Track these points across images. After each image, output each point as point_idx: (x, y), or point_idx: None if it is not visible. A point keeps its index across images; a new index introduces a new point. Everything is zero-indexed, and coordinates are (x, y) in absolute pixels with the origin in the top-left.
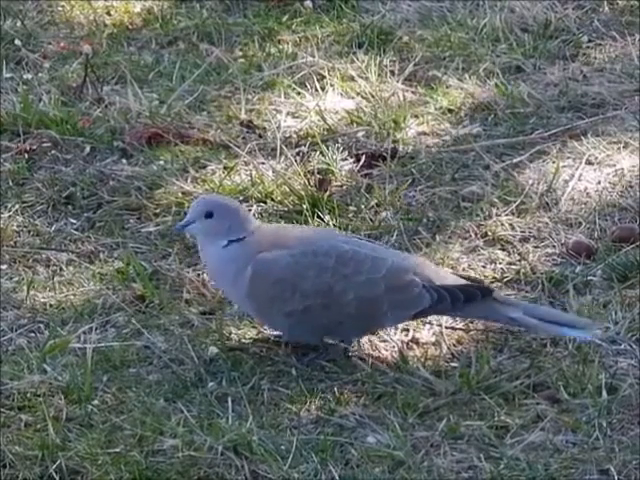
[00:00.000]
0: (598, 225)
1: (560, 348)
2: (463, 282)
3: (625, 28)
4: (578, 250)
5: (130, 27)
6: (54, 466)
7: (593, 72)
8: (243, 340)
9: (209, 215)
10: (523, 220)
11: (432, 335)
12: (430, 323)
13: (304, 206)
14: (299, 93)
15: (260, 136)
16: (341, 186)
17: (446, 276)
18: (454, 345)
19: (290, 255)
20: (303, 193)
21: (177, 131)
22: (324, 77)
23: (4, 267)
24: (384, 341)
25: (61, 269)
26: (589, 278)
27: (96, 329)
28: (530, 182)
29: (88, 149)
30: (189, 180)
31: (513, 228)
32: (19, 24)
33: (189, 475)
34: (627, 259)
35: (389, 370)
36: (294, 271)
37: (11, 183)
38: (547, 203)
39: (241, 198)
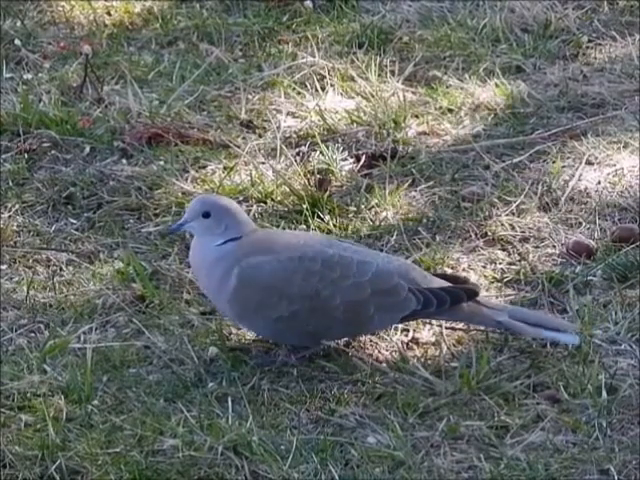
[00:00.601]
0: (598, 225)
1: (560, 348)
2: (448, 284)
3: (625, 28)
4: (578, 250)
5: (130, 27)
6: (54, 466)
7: (593, 72)
8: (243, 340)
9: (206, 215)
10: (523, 220)
11: (432, 335)
12: (430, 323)
13: (304, 206)
14: (299, 93)
15: (260, 136)
16: (341, 186)
17: (432, 279)
18: (454, 345)
19: (276, 260)
20: (303, 193)
21: (177, 131)
22: (324, 77)
23: (4, 267)
24: (384, 341)
25: (61, 269)
26: (589, 278)
27: (96, 329)
28: (530, 182)
29: (88, 149)
30: (189, 180)
31: (513, 228)
32: (19, 24)
33: (189, 475)
34: (627, 259)
35: (389, 370)
36: (280, 276)
37: (11, 183)
38: (547, 203)
39: (241, 198)
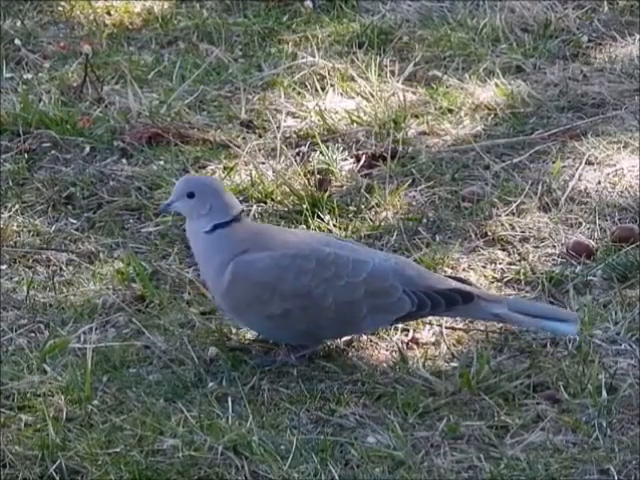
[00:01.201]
0: (598, 225)
1: (560, 348)
2: (447, 285)
3: (625, 28)
4: (578, 250)
5: (130, 27)
6: (54, 466)
7: (593, 72)
8: (243, 340)
9: (191, 195)
10: (523, 220)
11: (432, 335)
12: (430, 323)
13: (304, 206)
14: (299, 93)
15: (260, 136)
16: (341, 186)
17: (430, 277)
18: (454, 345)
19: (270, 257)
20: (303, 193)
21: (177, 131)
22: (324, 77)
23: (4, 267)
24: (384, 341)
25: (61, 269)
26: (589, 278)
27: (96, 329)
28: (530, 182)
29: (88, 149)
30: None
31: (513, 228)
32: (19, 24)
33: (189, 475)
34: (627, 259)
35: (389, 370)
36: (273, 273)
37: (11, 183)
38: (547, 203)
39: (241, 198)
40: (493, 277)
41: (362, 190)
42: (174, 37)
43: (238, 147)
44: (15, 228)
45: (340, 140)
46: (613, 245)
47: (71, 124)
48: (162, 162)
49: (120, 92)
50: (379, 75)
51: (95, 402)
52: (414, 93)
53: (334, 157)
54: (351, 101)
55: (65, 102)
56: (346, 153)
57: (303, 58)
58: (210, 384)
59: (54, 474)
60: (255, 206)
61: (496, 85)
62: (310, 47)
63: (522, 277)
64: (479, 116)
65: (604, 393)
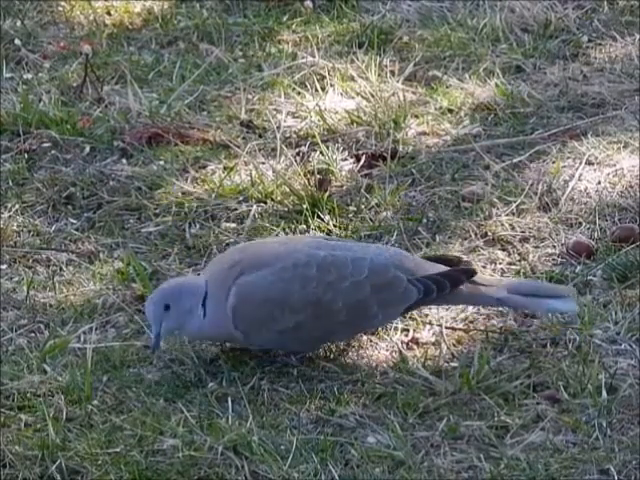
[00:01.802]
0: (598, 225)
1: (560, 348)
2: (444, 268)
3: (625, 28)
4: (578, 250)
5: (130, 27)
6: (54, 466)
7: (593, 72)
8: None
9: (167, 308)
10: (523, 220)
11: (432, 335)
12: (430, 323)
13: (304, 206)
14: (299, 93)
15: (260, 136)
16: (341, 186)
17: (425, 264)
18: (454, 345)
19: (270, 273)
20: (303, 193)
21: (177, 131)
22: (324, 77)
23: (4, 267)
24: (384, 341)
25: (61, 269)
26: (589, 278)
27: (96, 329)
28: (530, 182)
29: (88, 149)
30: (189, 180)
31: (513, 228)
32: (19, 24)
33: (189, 475)
34: (627, 259)
35: (389, 370)
36: (278, 288)
37: (11, 183)
38: (547, 203)
39: (241, 198)
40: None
41: (362, 190)
42: (174, 37)
43: (238, 147)
44: (15, 228)
45: (340, 140)
46: (613, 245)
47: (71, 124)
48: (162, 162)
49: (120, 92)
50: (379, 75)
51: (95, 402)
52: (414, 93)
53: (334, 157)
54: (351, 101)
55: (65, 102)
56: (346, 153)
57: (303, 58)
58: (210, 384)
59: (54, 474)
60: (255, 206)
61: (496, 85)
62: (310, 47)
63: (522, 277)
64: (479, 116)
65: (604, 393)
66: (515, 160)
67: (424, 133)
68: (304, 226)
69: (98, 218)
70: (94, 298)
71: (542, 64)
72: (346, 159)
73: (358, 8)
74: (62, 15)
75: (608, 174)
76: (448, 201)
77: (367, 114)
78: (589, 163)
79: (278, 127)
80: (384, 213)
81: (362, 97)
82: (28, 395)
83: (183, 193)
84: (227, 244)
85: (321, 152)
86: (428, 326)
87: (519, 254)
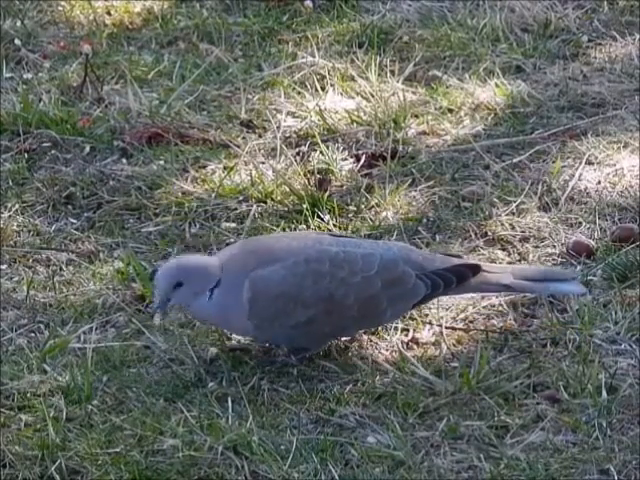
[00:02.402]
0: (598, 225)
1: (560, 348)
2: (452, 262)
3: (625, 28)
4: (578, 250)
5: (130, 27)
6: (54, 466)
7: (593, 72)
8: (243, 340)
9: (179, 285)
10: (523, 220)
11: (432, 335)
12: (430, 323)
13: (304, 206)
14: (299, 93)
15: (260, 136)
16: (341, 186)
17: (433, 258)
18: (454, 345)
19: (283, 267)
20: (303, 193)
21: (177, 131)
22: (324, 77)
23: (4, 267)
24: (384, 341)
25: (61, 269)
26: (589, 278)
27: (96, 329)
28: (530, 182)
29: (88, 149)
30: (189, 180)
31: (513, 228)
32: (19, 24)
33: (189, 475)
34: (627, 259)
35: (389, 370)
36: (291, 282)
37: (11, 183)
38: (547, 203)
39: (241, 198)
40: None
41: (362, 190)
42: (174, 37)
43: (238, 147)
44: (15, 228)
45: (340, 140)
46: (613, 245)
47: (71, 124)
48: (162, 162)
49: (120, 92)
50: (379, 75)
51: (95, 402)
52: (414, 93)
53: (334, 157)
54: (351, 101)
55: (65, 102)
56: (346, 153)
57: (303, 58)
58: (210, 384)
59: (54, 474)
60: (255, 206)
61: (496, 85)
62: (310, 47)
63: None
64: (479, 116)
65: (604, 393)
66: (515, 160)
67: (424, 133)
68: (304, 226)
69: (98, 218)
70: (94, 298)
71: (542, 64)
72: (346, 159)
73: (358, 8)
74: (62, 15)
75: (608, 174)
76: (448, 201)
77: (367, 114)
78: (589, 163)
79: (278, 127)
80: (384, 213)
81: (362, 97)
82: (28, 395)
83: (183, 193)
84: (227, 244)
85: (321, 152)
86: (428, 326)
87: (519, 254)
